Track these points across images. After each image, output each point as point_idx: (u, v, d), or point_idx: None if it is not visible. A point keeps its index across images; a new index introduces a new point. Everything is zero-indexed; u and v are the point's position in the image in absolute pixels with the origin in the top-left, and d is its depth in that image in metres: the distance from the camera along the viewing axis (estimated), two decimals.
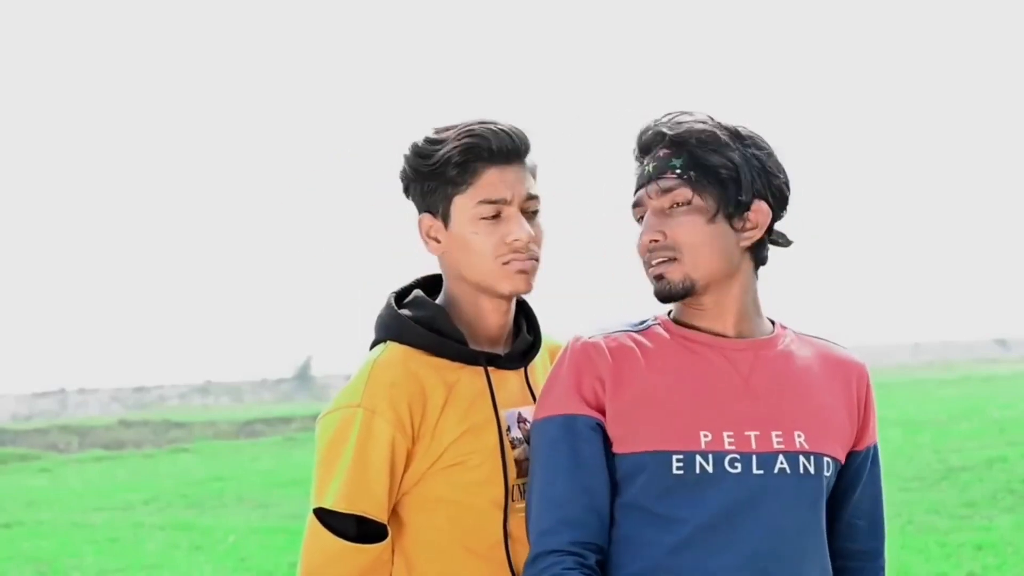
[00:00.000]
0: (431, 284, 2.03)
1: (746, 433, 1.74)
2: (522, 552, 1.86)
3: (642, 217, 1.83)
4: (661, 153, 1.80)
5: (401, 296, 1.99)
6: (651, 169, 1.80)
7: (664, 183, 1.78)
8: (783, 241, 1.87)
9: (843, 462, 1.85)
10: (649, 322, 1.86)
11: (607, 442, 1.77)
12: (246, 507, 11.41)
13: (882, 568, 1.94)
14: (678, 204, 1.78)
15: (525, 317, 2.04)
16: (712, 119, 1.81)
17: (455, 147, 1.86)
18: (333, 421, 1.85)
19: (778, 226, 1.86)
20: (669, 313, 1.88)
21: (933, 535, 7.81)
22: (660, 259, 1.78)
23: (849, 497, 1.89)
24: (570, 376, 1.79)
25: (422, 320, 1.90)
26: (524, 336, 1.99)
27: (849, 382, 1.87)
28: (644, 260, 1.82)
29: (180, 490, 12.88)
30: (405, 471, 1.84)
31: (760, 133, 1.84)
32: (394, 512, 1.87)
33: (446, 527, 1.85)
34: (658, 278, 1.79)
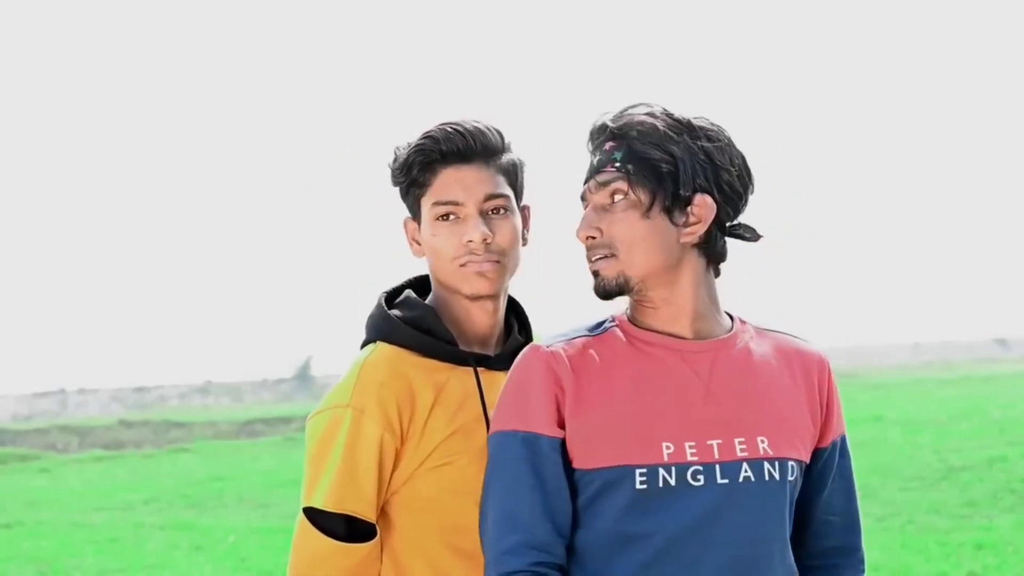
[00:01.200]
0: (423, 285, 2.03)
1: (708, 442, 1.70)
2: None
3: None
4: (606, 147, 1.77)
5: (392, 296, 1.99)
6: (595, 163, 1.78)
7: (603, 177, 1.75)
8: (750, 236, 1.80)
9: (808, 462, 1.81)
10: (607, 324, 1.81)
11: (567, 459, 1.74)
12: (246, 507, 11.41)
13: (861, 562, 1.90)
14: (616, 199, 1.74)
15: (517, 318, 2.03)
16: (663, 111, 1.76)
17: (411, 150, 1.90)
18: (322, 421, 1.85)
19: (748, 219, 1.81)
20: (626, 311, 1.83)
21: (933, 535, 7.81)
22: (597, 256, 1.76)
23: (819, 494, 1.85)
24: (532, 390, 1.74)
25: (412, 320, 1.90)
26: (515, 337, 1.99)
27: (810, 375, 1.83)
28: (586, 252, 1.79)
29: (180, 490, 12.87)
30: (393, 471, 1.84)
31: (719, 126, 1.77)
32: (382, 512, 1.86)
33: (434, 527, 1.84)
34: (594, 275, 1.77)
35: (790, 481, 1.75)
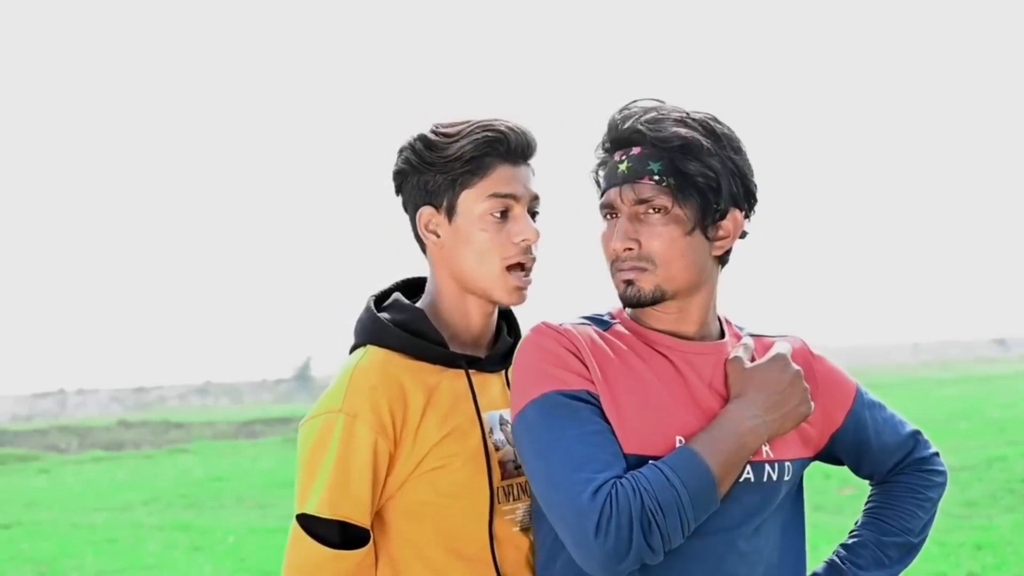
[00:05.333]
0: (411, 287, 2.01)
1: None
2: (509, 554, 1.84)
3: (609, 214, 1.77)
4: (636, 152, 1.72)
5: (381, 299, 1.97)
6: (625, 169, 1.72)
7: (641, 189, 1.70)
8: (741, 235, 1.80)
9: (811, 456, 1.85)
10: (608, 320, 1.81)
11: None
12: (245, 507, 11.41)
13: (922, 442, 1.97)
14: (654, 211, 1.71)
15: (505, 319, 2.02)
16: (689, 117, 1.73)
17: (473, 140, 1.84)
18: (315, 427, 1.83)
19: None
20: (625, 309, 1.82)
21: (932, 535, 7.76)
22: (631, 266, 1.72)
23: (868, 447, 1.90)
24: (565, 355, 1.71)
25: (401, 323, 1.88)
26: (505, 338, 1.97)
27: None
28: (612, 263, 1.76)
29: (179, 490, 12.88)
30: (388, 475, 1.82)
31: (731, 127, 1.76)
32: (379, 517, 1.85)
33: (431, 531, 1.83)
34: (627, 283, 1.73)
35: (786, 481, 1.78)
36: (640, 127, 1.72)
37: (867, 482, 2.01)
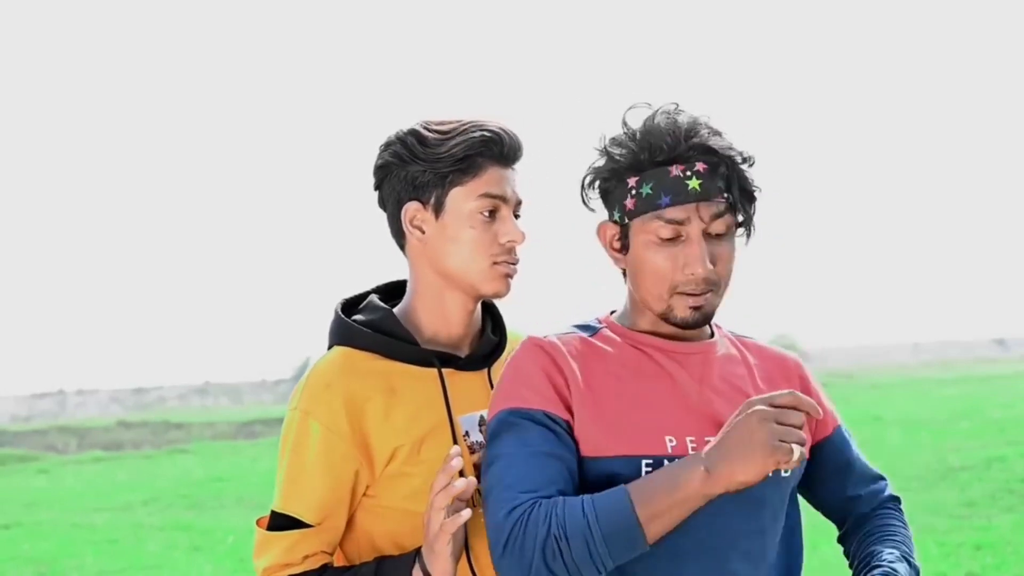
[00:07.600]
0: (390, 292, 2.01)
1: (706, 438, 1.70)
2: (484, 557, 1.82)
3: (675, 235, 1.69)
4: (701, 168, 1.69)
5: (356, 303, 1.98)
6: (698, 186, 1.68)
7: (718, 208, 1.69)
8: None
9: (808, 457, 1.85)
10: (595, 325, 1.82)
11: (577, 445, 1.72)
12: (245, 508, 11.41)
13: (883, 490, 1.92)
14: (726, 230, 1.71)
15: (491, 317, 2.01)
16: (721, 128, 1.74)
17: (469, 139, 1.85)
18: (284, 423, 1.87)
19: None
20: (612, 312, 1.84)
21: (932, 535, 7.81)
22: (706, 289, 1.70)
23: (851, 467, 1.90)
24: (534, 373, 1.72)
25: (369, 323, 1.89)
26: (488, 337, 1.96)
27: (790, 378, 1.86)
28: (678, 284, 1.71)
29: (179, 491, 12.89)
30: (358, 477, 1.81)
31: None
32: (352, 519, 1.85)
33: (405, 535, 1.81)
34: (695, 308, 1.71)
35: (788, 479, 1.78)
36: (706, 142, 1.69)
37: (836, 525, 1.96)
